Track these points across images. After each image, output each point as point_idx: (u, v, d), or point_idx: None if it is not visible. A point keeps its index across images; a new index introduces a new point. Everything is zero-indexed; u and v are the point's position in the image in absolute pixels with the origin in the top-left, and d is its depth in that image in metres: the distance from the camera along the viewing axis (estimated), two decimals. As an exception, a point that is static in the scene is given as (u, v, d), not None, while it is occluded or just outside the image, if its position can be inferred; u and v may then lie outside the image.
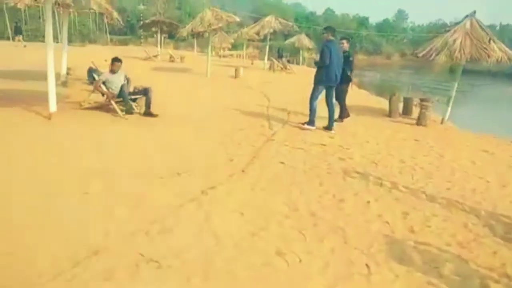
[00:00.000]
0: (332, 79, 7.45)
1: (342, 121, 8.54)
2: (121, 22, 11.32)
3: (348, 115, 8.76)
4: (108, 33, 46.40)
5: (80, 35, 47.14)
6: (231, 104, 9.97)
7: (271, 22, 21.48)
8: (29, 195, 3.91)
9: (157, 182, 4.49)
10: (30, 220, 3.46)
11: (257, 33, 22.09)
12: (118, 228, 3.44)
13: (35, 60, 12.19)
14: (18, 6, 9.96)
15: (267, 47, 22.61)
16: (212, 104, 9.90)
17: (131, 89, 8.23)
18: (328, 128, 7.71)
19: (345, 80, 8.28)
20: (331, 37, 7.58)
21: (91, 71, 8.29)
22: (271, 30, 21.24)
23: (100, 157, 5.27)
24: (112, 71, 8.11)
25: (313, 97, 7.66)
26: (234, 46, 38.30)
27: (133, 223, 3.53)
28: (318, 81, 7.57)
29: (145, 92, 8.09)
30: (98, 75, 8.22)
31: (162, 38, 34.01)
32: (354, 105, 9.60)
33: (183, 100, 10.53)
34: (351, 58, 8.34)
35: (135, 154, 5.54)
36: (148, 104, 8.04)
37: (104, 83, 7.93)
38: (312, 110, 7.70)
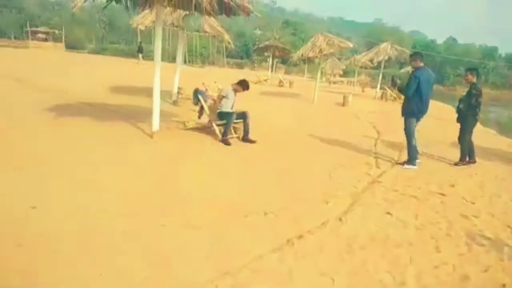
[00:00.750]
0: (424, 110, 6.84)
1: (464, 165, 7.25)
2: (232, 45, 11.48)
3: (474, 161, 7.41)
4: (225, 56, 48.74)
5: (201, 56, 50.45)
6: (334, 135, 9.22)
7: (386, 49, 20.31)
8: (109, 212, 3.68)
9: (239, 221, 3.97)
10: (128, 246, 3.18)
11: (371, 60, 21.05)
12: (185, 275, 2.96)
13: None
14: (140, 27, 10.75)
15: (380, 75, 21.39)
16: (313, 133, 9.26)
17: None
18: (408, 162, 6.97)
19: (470, 116, 7.14)
20: (420, 64, 6.81)
21: (197, 92, 8.26)
22: (386, 57, 20.05)
23: (186, 183, 4.96)
24: (235, 90, 7.96)
25: (409, 132, 6.87)
26: (346, 73, 37.40)
27: (203, 271, 3.02)
28: (410, 113, 6.84)
29: (242, 116, 7.78)
30: (203, 97, 8.14)
31: (274, 62, 34.63)
32: (479, 147, 8.12)
33: (284, 126, 10.07)
34: (474, 91, 7.08)
35: (224, 184, 5.12)
36: (246, 130, 7.72)
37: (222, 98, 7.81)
38: (411, 147, 6.89)
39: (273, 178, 5.55)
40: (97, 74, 18.26)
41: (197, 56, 49.90)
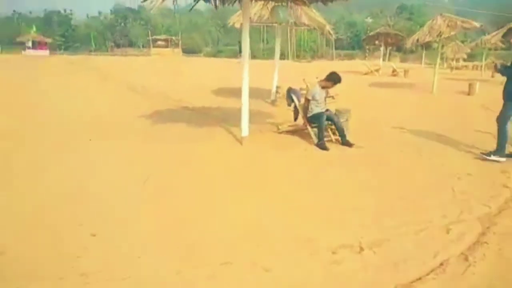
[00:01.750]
0: None
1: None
2: (334, 36, 10.54)
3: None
4: (333, 48, 47.18)
5: (310, 51, 49.68)
6: (457, 132, 7.70)
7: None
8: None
9: (324, 259, 3.11)
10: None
11: (502, 41, 18.01)
12: None
13: (261, 78, 12.44)
14: (236, 25, 10.40)
15: (516, 56, 18.17)
16: (429, 130, 7.86)
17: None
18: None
19: None
20: None
21: (290, 92, 7.53)
22: (524, 35, 16.93)
23: (270, 203, 4.26)
24: (325, 87, 7.07)
25: (503, 118, 5.94)
26: (471, 56, 33.16)
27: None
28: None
29: (331, 118, 6.83)
30: (297, 96, 7.38)
31: (388, 51, 32.21)
32: None
33: (393, 122, 8.78)
34: None
35: (308, 205, 4.31)
36: (340, 133, 6.76)
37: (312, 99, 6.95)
38: (501, 135, 5.92)
39: (371, 195, 4.52)
40: (204, 76, 18.69)
41: (306, 50, 49.26)
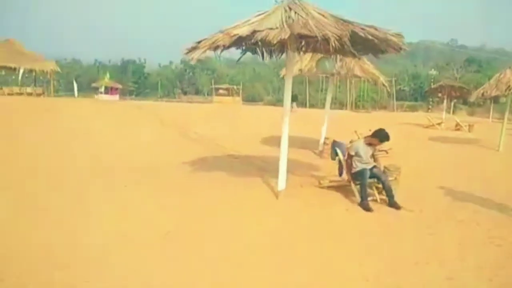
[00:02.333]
0: None
1: None
2: (388, 88, 10.13)
3: None
4: (394, 99, 46.12)
5: (371, 101, 48.94)
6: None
7: None
8: None
9: None
10: None
11: None
12: None
13: (315, 127, 12.22)
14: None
15: None
16: (491, 194, 7.08)
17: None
18: None
19: None
20: None
21: (334, 145, 7.20)
22: None
23: (298, 270, 3.90)
24: (370, 144, 6.62)
25: None
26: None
27: None
28: None
29: (377, 175, 6.37)
30: (342, 150, 7.02)
31: (452, 104, 30.84)
32: None
33: (452, 182, 8.06)
34: None
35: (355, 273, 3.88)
36: (388, 193, 6.25)
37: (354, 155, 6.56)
38: None
39: (414, 274, 3.97)
40: (258, 124, 18.78)
41: (367, 101, 48.60)
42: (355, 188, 6.46)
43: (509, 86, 12.85)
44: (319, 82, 43.36)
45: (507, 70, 13.53)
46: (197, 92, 78.20)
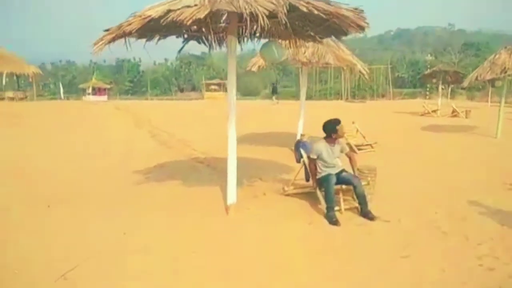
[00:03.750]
0: None
1: None
2: (367, 76, 9.09)
3: None
4: (391, 87, 44.96)
5: (369, 90, 47.69)
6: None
7: None
8: None
9: None
10: None
11: None
12: None
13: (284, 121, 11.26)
14: (253, 69, 9.37)
15: None
16: (483, 193, 6.11)
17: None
18: None
19: None
20: None
21: (298, 145, 6.17)
22: None
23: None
24: (331, 142, 5.56)
25: None
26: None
27: None
28: None
29: (348, 181, 5.37)
30: (307, 152, 5.96)
31: (450, 89, 29.73)
32: None
33: (438, 182, 7.06)
34: None
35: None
36: (361, 201, 5.26)
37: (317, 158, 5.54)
38: None
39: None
40: (244, 120, 17.70)
41: (365, 90, 47.34)
42: (321, 196, 5.45)
43: (504, 68, 11.77)
44: (315, 73, 42.22)
45: (501, 51, 12.44)
46: (194, 89, 77.22)
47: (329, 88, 47.02)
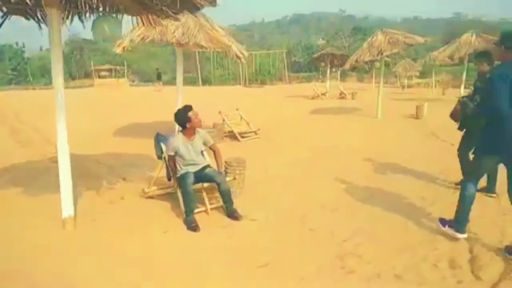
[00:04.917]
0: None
1: None
2: (243, 60, 8.54)
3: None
4: (286, 71, 45.97)
5: (268, 75, 48.14)
6: (399, 176, 5.82)
7: (469, 40, 16.06)
8: None
9: None
10: None
11: (451, 56, 16.78)
12: None
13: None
14: (116, 51, 8.30)
15: (464, 73, 16.83)
16: (361, 174, 5.96)
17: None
18: None
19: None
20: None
21: (158, 139, 5.36)
22: (470, 51, 15.65)
23: None
24: (189, 134, 4.86)
25: (470, 178, 3.88)
26: (423, 73, 32.39)
27: None
28: (485, 149, 3.71)
29: (210, 178, 4.77)
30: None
31: (339, 72, 31.08)
32: None
33: (316, 171, 6.82)
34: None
35: None
36: (225, 200, 4.69)
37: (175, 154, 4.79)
38: (464, 200, 3.79)
39: None
40: (128, 109, 16.32)
41: (264, 74, 47.70)
42: (181, 198, 4.74)
43: (380, 50, 12.17)
44: (213, 57, 41.45)
45: (378, 34, 12.92)
46: (87, 75, 71.64)
47: (228, 73, 46.53)
